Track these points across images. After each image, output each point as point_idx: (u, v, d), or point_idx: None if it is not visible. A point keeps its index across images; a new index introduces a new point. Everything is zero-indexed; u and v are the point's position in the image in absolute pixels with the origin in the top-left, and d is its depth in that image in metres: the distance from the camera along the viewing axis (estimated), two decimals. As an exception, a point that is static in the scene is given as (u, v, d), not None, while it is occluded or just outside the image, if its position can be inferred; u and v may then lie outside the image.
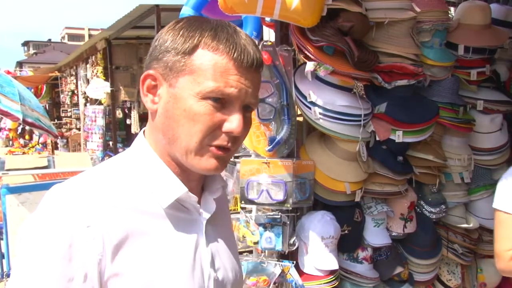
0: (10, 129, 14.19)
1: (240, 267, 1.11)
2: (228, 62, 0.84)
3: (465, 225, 2.48)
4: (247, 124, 0.90)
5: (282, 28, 2.07)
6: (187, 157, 0.88)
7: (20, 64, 30.41)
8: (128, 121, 10.16)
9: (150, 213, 0.88)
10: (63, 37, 54.08)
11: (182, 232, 0.91)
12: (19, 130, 14.39)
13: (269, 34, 2.51)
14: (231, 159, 2.16)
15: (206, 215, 0.96)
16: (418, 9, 2.15)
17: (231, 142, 0.89)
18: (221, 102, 0.85)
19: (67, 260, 0.78)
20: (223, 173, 2.18)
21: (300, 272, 2.04)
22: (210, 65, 0.84)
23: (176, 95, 0.86)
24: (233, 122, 0.86)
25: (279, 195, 1.96)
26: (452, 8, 2.69)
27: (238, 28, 0.89)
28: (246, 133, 0.92)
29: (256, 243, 2.02)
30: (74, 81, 12.26)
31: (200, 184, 0.99)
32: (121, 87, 9.24)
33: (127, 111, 10.21)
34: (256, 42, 2.05)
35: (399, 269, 2.24)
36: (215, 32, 0.85)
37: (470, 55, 2.35)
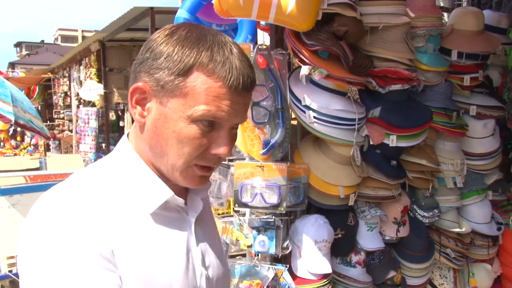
0: (1, 131, 14.07)
1: (227, 266, 1.13)
2: (222, 88, 0.83)
3: (457, 230, 2.49)
4: (233, 140, 0.91)
5: (277, 32, 2.08)
6: (172, 173, 0.89)
7: (12, 65, 30.21)
8: (121, 123, 10.12)
9: (141, 215, 0.89)
10: (56, 39, 53.81)
11: (172, 232, 0.92)
12: (11, 132, 14.27)
13: (263, 38, 2.52)
14: (225, 162, 2.17)
15: (193, 215, 0.98)
16: (412, 14, 2.17)
17: (217, 162, 0.91)
18: (211, 124, 0.85)
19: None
20: (217, 176, 2.18)
21: (293, 276, 2.03)
22: (203, 89, 0.82)
23: (167, 115, 0.85)
24: (221, 146, 0.87)
25: (273, 199, 1.96)
26: (445, 14, 2.71)
27: (234, 46, 0.86)
28: (230, 151, 0.93)
29: (250, 246, 2.02)
30: (67, 82, 12.19)
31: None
32: (114, 89, 9.22)
33: (120, 113, 10.16)
34: (251, 47, 2.06)
35: (392, 273, 2.24)
36: (211, 53, 0.83)
37: (464, 61, 2.37)
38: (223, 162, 2.17)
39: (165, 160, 0.88)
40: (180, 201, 0.93)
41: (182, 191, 0.97)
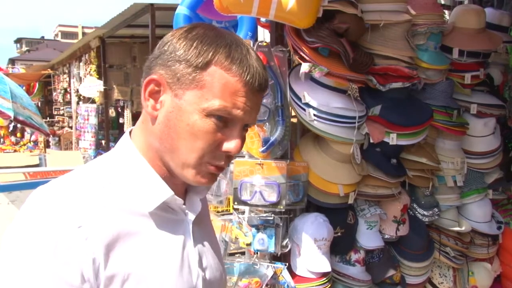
0: (1, 127, 14.06)
1: (224, 267, 1.12)
2: (239, 84, 0.84)
3: (457, 228, 2.49)
4: (243, 142, 0.91)
5: (277, 29, 2.06)
6: (182, 169, 0.88)
7: (12, 61, 30.20)
8: (121, 120, 10.12)
9: (138, 214, 0.87)
10: (56, 35, 53.77)
11: (169, 232, 0.91)
12: (11, 128, 14.27)
13: (264, 35, 2.51)
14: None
15: (192, 216, 0.96)
16: (413, 12, 2.15)
17: (227, 161, 0.90)
18: (224, 121, 0.85)
19: (62, 263, 0.76)
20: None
21: (293, 274, 2.03)
22: (221, 84, 0.83)
23: (181, 108, 0.85)
24: (232, 143, 0.87)
25: (272, 197, 1.95)
26: (446, 12, 2.70)
27: (250, 47, 0.89)
28: (240, 150, 0.93)
29: (249, 244, 2.01)
30: (67, 79, 12.19)
31: (184, 185, 0.99)
32: (114, 86, 9.21)
33: (120, 110, 10.17)
34: (251, 43, 2.05)
35: (391, 272, 2.23)
36: (229, 50, 0.84)
37: (465, 59, 2.36)
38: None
39: (176, 156, 0.87)
40: (180, 201, 0.92)
41: (181, 192, 0.96)
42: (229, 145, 0.87)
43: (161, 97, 0.87)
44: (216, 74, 0.83)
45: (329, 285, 2.02)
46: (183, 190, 0.98)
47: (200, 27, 0.88)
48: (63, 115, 13.31)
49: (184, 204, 0.96)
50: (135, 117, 9.17)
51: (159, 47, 0.89)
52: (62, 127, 13.07)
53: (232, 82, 0.83)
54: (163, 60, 0.86)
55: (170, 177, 0.91)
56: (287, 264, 2.02)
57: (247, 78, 0.84)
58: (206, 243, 1.02)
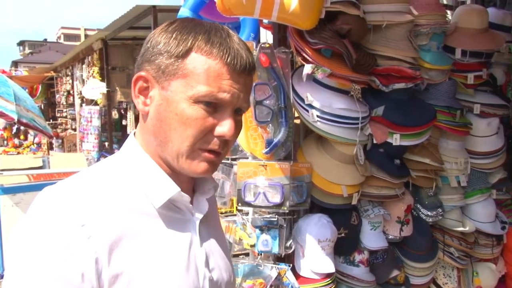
0: (4, 129, 14.10)
1: (233, 268, 1.11)
2: (222, 67, 0.84)
3: (461, 229, 2.49)
4: (238, 127, 0.91)
5: (280, 30, 2.07)
6: (178, 160, 0.88)
7: (15, 64, 30.28)
8: (124, 122, 10.13)
9: (144, 213, 0.88)
10: (59, 37, 53.91)
11: (176, 232, 0.91)
12: (14, 130, 14.31)
13: (266, 36, 2.51)
14: (228, 161, 2.16)
15: (199, 215, 0.97)
16: (415, 12, 2.15)
17: (222, 146, 0.90)
18: (213, 106, 0.86)
19: (63, 261, 0.76)
20: (220, 175, 2.18)
21: (297, 275, 2.03)
22: (203, 69, 0.84)
23: (169, 98, 0.86)
24: (225, 126, 0.87)
25: (276, 198, 1.95)
26: (449, 12, 2.70)
27: (231, 32, 0.89)
28: (237, 136, 0.93)
29: (253, 245, 2.02)
30: (70, 81, 12.21)
31: (191, 185, 0.99)
32: (117, 88, 9.23)
33: (123, 112, 10.18)
34: (254, 45, 2.05)
35: (395, 272, 2.23)
36: (209, 35, 0.85)
37: (467, 59, 2.36)
38: (226, 161, 2.16)
39: (170, 147, 0.87)
40: (186, 197, 0.92)
41: (187, 190, 0.96)
42: (222, 129, 0.87)
43: (150, 92, 0.89)
44: (197, 60, 0.84)
45: (333, 286, 2.02)
46: (190, 188, 0.98)
47: (180, 20, 0.90)
48: (66, 117, 13.33)
49: (192, 204, 0.96)
50: (138, 119, 9.13)
51: (144, 45, 0.90)
52: (65, 129, 13.10)
53: (214, 65, 0.84)
54: (148, 56, 0.88)
55: (173, 174, 0.92)
56: (291, 265, 2.02)
57: (228, 60, 0.84)
58: (214, 243, 1.01)
